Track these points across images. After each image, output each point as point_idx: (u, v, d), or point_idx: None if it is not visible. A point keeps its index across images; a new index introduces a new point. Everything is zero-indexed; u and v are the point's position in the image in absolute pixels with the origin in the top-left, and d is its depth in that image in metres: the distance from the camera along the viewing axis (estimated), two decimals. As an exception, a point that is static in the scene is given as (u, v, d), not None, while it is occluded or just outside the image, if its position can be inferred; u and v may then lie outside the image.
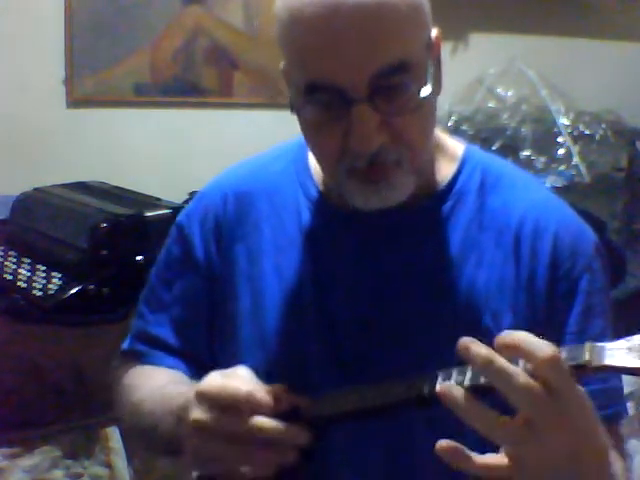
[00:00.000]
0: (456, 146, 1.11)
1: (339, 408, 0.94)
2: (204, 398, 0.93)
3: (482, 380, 0.79)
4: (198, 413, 0.93)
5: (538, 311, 1.02)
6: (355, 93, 0.91)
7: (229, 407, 0.92)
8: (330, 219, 1.07)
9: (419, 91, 0.93)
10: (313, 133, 0.99)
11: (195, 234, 1.15)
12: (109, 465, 2.00)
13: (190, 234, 1.15)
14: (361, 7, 0.88)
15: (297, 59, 0.94)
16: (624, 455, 1.03)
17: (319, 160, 1.03)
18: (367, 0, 0.89)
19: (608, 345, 0.78)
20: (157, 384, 1.10)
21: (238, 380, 0.94)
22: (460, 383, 0.80)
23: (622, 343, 0.77)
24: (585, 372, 0.77)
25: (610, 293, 1.08)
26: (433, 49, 0.98)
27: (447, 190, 1.07)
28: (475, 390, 0.79)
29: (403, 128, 0.94)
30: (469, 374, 0.80)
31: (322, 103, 0.93)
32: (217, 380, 0.94)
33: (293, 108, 0.96)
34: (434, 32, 0.98)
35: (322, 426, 0.95)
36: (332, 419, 0.95)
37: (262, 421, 0.91)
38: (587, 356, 0.77)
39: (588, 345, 0.78)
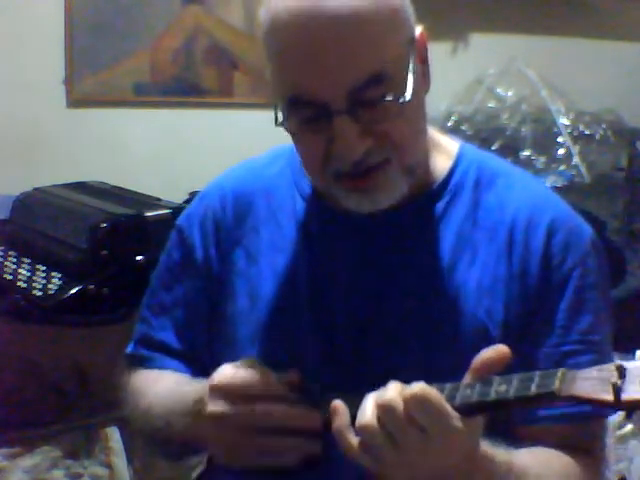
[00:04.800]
0: (451, 144, 1.11)
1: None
2: (217, 390, 0.97)
3: (491, 397, 0.83)
4: (213, 406, 0.96)
5: (530, 304, 1.02)
6: (335, 106, 0.92)
7: (242, 396, 0.95)
8: (326, 219, 1.08)
9: (399, 98, 0.93)
10: (298, 142, 1.01)
11: (195, 236, 1.15)
12: (109, 465, 2.00)
13: (190, 236, 1.16)
14: (337, 21, 0.90)
15: (277, 73, 0.96)
16: (597, 451, 1.05)
17: (305, 166, 1.04)
18: (343, 13, 0.89)
19: (580, 374, 0.78)
20: (165, 387, 1.11)
21: (249, 370, 0.97)
22: (468, 397, 0.84)
23: (594, 372, 0.77)
24: (554, 400, 0.80)
25: (609, 291, 1.08)
26: (416, 48, 0.98)
27: (442, 187, 1.07)
28: (481, 406, 0.84)
29: (387, 132, 0.95)
30: (477, 388, 0.84)
31: (304, 115, 0.95)
32: (229, 371, 0.98)
33: (277, 121, 0.97)
34: (417, 30, 0.99)
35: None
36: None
37: (272, 407, 0.95)
38: (557, 384, 0.79)
39: (560, 372, 0.80)
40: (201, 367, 1.15)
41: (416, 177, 1.02)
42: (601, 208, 2.41)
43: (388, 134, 0.95)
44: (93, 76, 2.57)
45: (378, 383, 1.00)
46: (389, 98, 0.93)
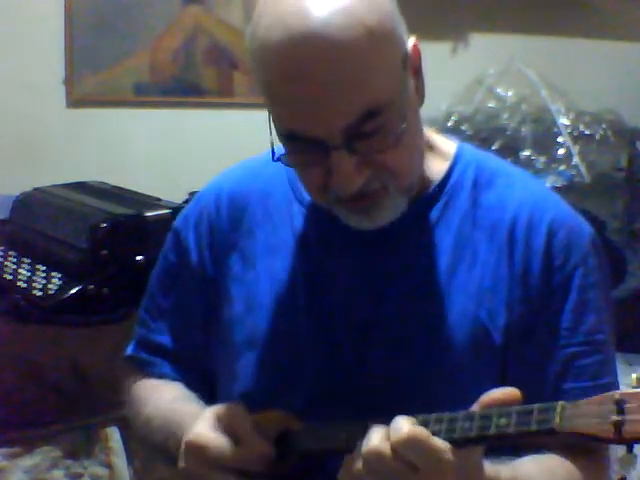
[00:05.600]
0: (448, 145, 1.11)
1: (328, 445, 0.94)
2: (190, 449, 0.97)
3: (491, 431, 0.81)
4: (183, 462, 0.98)
5: (533, 306, 1.02)
6: (331, 142, 0.91)
7: (211, 465, 0.96)
8: (324, 225, 1.07)
9: (396, 129, 0.92)
10: (297, 170, 1.00)
11: (190, 238, 1.15)
12: (109, 465, 2.00)
13: (185, 238, 1.15)
14: (329, 54, 0.87)
15: (269, 106, 0.95)
16: (602, 450, 1.05)
17: (306, 189, 1.03)
18: (334, 45, 0.87)
19: (579, 408, 0.77)
20: (164, 400, 1.12)
21: (224, 440, 0.96)
22: (467, 431, 0.83)
23: (593, 407, 0.76)
24: (554, 435, 0.78)
25: (610, 289, 1.08)
26: (411, 62, 0.96)
27: (439, 190, 1.06)
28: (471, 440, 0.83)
29: (385, 160, 0.94)
30: (476, 422, 0.83)
31: (300, 150, 0.94)
32: (205, 435, 0.97)
33: (274, 155, 0.97)
34: (410, 42, 0.96)
35: (312, 458, 0.97)
36: (320, 453, 0.96)
37: None
38: (557, 420, 0.77)
39: (560, 406, 0.78)
40: (200, 370, 1.16)
41: (414, 190, 1.02)
42: (601, 208, 2.41)
43: (385, 163, 0.94)
44: (93, 76, 2.58)
45: (379, 387, 1.01)
46: (386, 127, 0.91)
